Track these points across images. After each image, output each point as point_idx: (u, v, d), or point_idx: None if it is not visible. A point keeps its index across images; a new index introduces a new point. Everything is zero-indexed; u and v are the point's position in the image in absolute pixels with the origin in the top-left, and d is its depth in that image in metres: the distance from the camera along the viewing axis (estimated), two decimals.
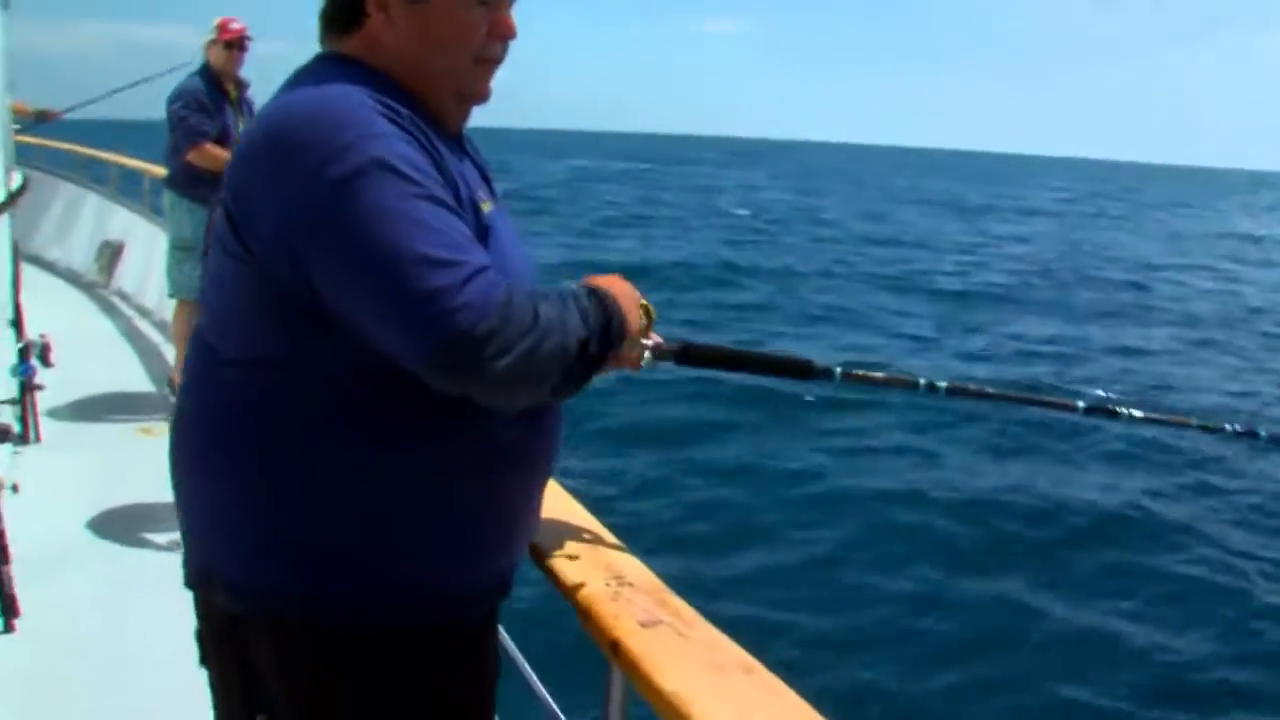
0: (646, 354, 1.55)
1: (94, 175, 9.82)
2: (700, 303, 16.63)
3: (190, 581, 1.43)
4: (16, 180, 5.57)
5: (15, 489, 3.65)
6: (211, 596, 1.40)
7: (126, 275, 8.17)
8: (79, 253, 9.02)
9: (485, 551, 1.41)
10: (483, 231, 1.35)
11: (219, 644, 1.44)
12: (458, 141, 1.48)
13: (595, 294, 1.38)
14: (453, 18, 1.41)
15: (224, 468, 1.35)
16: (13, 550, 3.23)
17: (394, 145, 1.25)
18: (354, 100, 1.29)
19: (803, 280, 20.38)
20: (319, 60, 1.45)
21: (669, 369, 1.63)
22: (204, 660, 1.49)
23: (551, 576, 1.53)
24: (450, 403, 1.26)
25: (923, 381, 1.68)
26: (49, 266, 9.06)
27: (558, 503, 1.72)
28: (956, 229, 35.38)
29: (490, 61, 1.47)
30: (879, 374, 1.68)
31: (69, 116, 8.66)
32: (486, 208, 1.40)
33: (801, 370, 1.63)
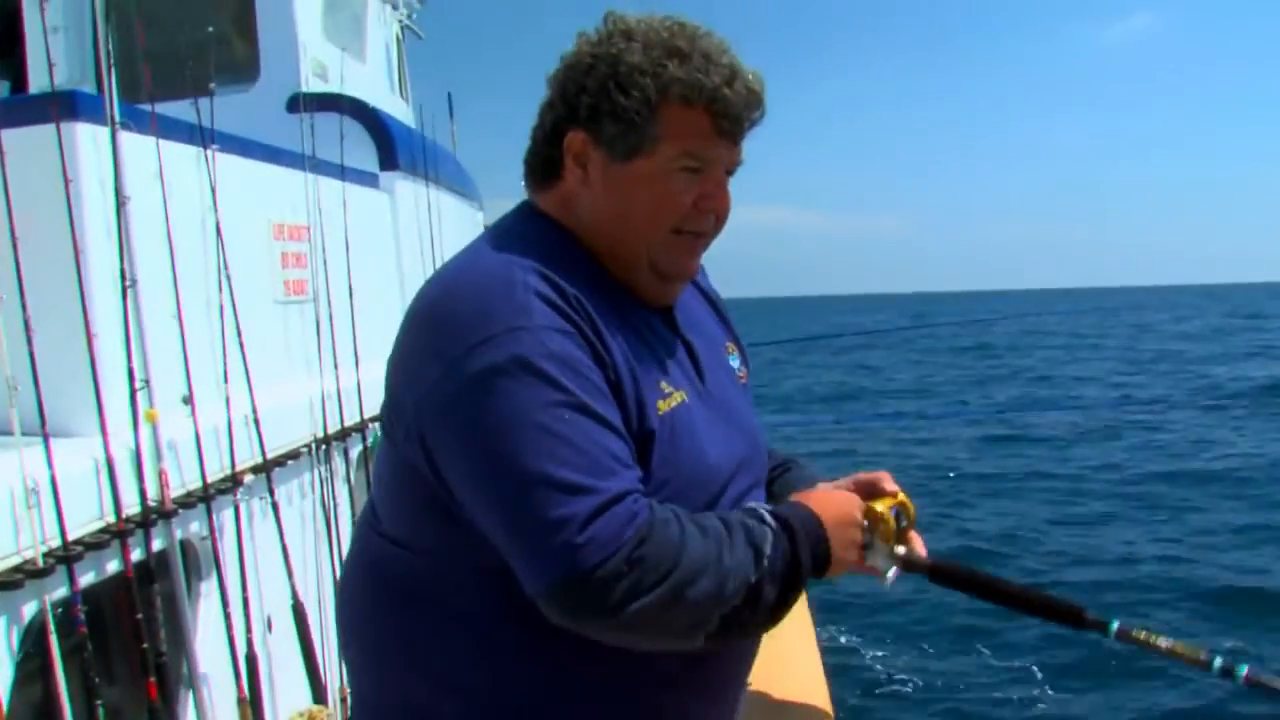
0: (892, 569, 1.38)
1: None
2: None
3: None
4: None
5: None
6: None
7: None
8: None
9: None
10: (647, 435, 1.20)
11: None
12: (663, 317, 1.33)
13: (786, 523, 1.21)
14: (654, 183, 1.25)
15: (367, 644, 1.32)
16: None
17: (544, 341, 1.13)
18: (515, 279, 1.17)
19: None
20: (515, 211, 1.36)
21: None
22: None
23: None
24: None
25: (1218, 663, 1.36)
26: None
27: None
28: None
29: (694, 235, 1.30)
30: (1163, 641, 1.38)
31: None
32: (668, 404, 1.24)
33: (1071, 618, 1.41)
